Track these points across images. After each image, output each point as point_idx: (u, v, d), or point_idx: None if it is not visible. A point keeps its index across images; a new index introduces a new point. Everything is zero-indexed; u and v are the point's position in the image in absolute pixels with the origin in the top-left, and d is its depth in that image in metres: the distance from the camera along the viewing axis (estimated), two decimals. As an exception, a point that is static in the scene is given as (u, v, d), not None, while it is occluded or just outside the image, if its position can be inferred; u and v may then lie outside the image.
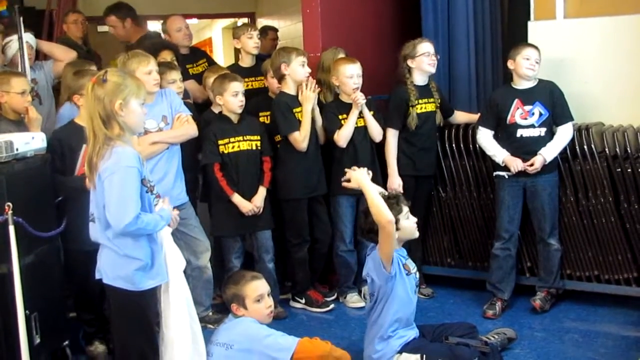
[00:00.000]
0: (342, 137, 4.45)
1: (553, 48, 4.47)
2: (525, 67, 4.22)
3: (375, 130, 4.53)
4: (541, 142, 4.21)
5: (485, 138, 4.36)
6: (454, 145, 4.64)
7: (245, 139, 4.36)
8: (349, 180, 3.55)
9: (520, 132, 4.24)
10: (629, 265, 4.21)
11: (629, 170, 4.12)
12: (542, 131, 4.22)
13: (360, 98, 4.41)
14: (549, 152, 4.18)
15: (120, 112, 2.83)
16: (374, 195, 3.40)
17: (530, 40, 4.66)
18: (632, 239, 4.18)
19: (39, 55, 5.20)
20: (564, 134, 4.21)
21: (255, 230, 4.44)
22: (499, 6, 5.50)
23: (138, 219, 2.78)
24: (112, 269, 2.92)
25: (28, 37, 4.69)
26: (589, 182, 4.23)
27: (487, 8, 5.34)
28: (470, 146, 4.58)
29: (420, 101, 4.52)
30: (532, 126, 4.23)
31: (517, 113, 4.25)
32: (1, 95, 3.91)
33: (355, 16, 5.22)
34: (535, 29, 4.69)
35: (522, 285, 4.50)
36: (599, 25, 4.47)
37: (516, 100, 4.25)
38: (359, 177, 3.50)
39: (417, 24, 5.35)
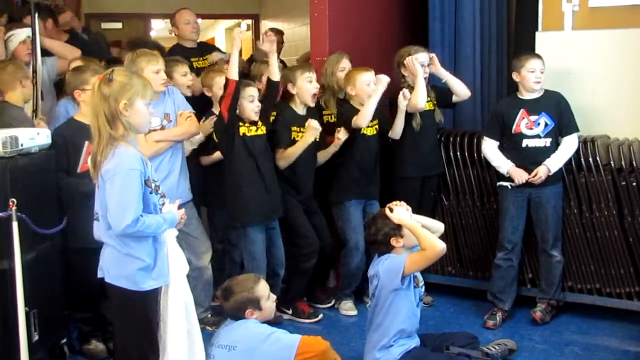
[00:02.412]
0: (362, 118, 4.34)
1: (560, 59, 4.45)
2: (532, 81, 4.20)
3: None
4: (546, 152, 4.20)
5: (490, 149, 4.35)
6: (458, 153, 4.62)
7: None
8: (391, 210, 3.52)
9: (525, 142, 4.23)
10: (631, 279, 4.19)
11: (634, 183, 4.11)
12: (547, 141, 4.21)
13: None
14: (554, 163, 4.17)
15: (125, 112, 2.82)
16: (420, 232, 3.43)
17: (537, 51, 4.65)
18: (634, 253, 4.17)
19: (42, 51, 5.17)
20: (569, 145, 4.20)
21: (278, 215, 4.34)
22: (506, 16, 5.50)
23: (138, 221, 2.76)
24: (115, 268, 2.89)
25: (27, 32, 4.67)
26: (593, 194, 4.22)
27: (494, 18, 5.34)
28: (475, 155, 4.57)
29: None
30: (538, 136, 4.21)
31: (523, 123, 4.23)
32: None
33: (363, 21, 5.21)
34: (543, 40, 4.68)
35: (523, 296, 4.49)
36: (607, 38, 4.46)
37: (522, 110, 4.24)
38: (399, 215, 3.48)
39: (424, 29, 5.35)
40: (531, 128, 4.22)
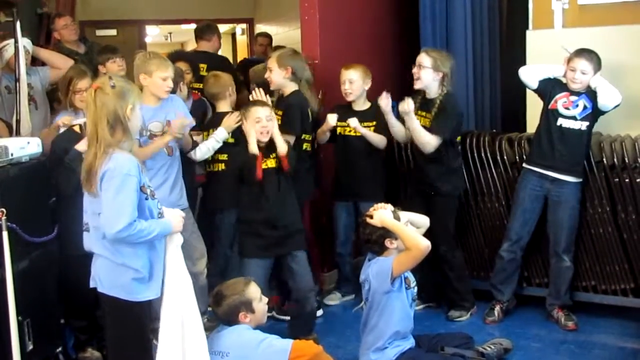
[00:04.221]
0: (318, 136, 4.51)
1: (551, 57, 4.43)
2: (569, 78, 4.14)
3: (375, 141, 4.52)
4: (581, 136, 4.11)
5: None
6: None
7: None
8: (371, 217, 3.53)
9: (560, 122, 4.14)
10: (626, 275, 4.19)
11: (627, 180, 4.11)
12: (583, 125, 4.11)
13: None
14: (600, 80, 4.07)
15: (131, 116, 2.85)
16: (403, 230, 3.45)
17: (528, 49, 4.68)
18: (629, 250, 4.17)
19: (36, 61, 5.18)
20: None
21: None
22: (497, 15, 5.51)
23: (131, 226, 2.76)
24: (109, 278, 2.88)
25: (25, 42, 4.68)
26: (586, 191, 4.22)
27: (485, 17, 5.35)
28: (469, 155, 4.56)
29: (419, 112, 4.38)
30: (574, 118, 4.12)
31: (561, 101, 4.15)
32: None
33: (353, 23, 5.22)
34: (533, 38, 4.69)
35: (521, 295, 4.49)
36: (597, 35, 4.46)
37: (565, 92, 4.18)
38: (380, 218, 3.49)
39: (415, 30, 5.35)
40: (568, 108, 4.13)
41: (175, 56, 4.97)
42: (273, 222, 4.03)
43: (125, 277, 2.85)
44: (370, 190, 4.55)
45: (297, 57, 4.47)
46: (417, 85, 4.30)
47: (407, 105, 4.20)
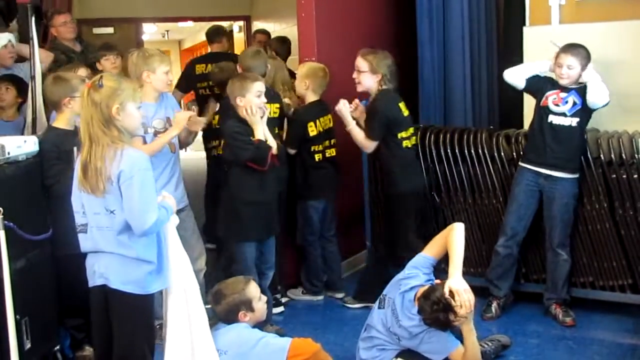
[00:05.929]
0: None
1: (548, 53, 4.43)
2: (557, 74, 4.16)
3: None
4: (572, 133, 4.12)
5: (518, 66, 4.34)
6: (449, 150, 4.61)
7: None
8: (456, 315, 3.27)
9: (550, 118, 4.15)
10: (624, 271, 4.20)
11: (624, 176, 4.11)
12: (573, 121, 4.11)
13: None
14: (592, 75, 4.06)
15: (118, 116, 2.84)
16: (474, 343, 3.33)
17: (525, 46, 4.67)
18: (626, 246, 4.17)
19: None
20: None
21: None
22: (494, 11, 5.51)
23: (158, 219, 2.83)
24: (123, 274, 2.90)
25: (10, 37, 4.68)
26: (584, 188, 4.22)
27: (482, 13, 5.35)
28: (466, 152, 4.56)
29: None
30: (564, 115, 4.13)
31: (551, 98, 4.16)
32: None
33: (350, 20, 5.20)
34: (530, 34, 4.69)
35: (519, 291, 4.49)
36: (594, 31, 4.46)
37: (556, 89, 4.18)
38: (466, 325, 3.31)
39: (412, 28, 5.35)
40: (558, 104, 4.14)
41: None
42: (272, 202, 4.13)
43: (139, 271, 2.90)
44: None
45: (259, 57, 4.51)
46: (359, 89, 4.36)
47: (341, 105, 4.26)
